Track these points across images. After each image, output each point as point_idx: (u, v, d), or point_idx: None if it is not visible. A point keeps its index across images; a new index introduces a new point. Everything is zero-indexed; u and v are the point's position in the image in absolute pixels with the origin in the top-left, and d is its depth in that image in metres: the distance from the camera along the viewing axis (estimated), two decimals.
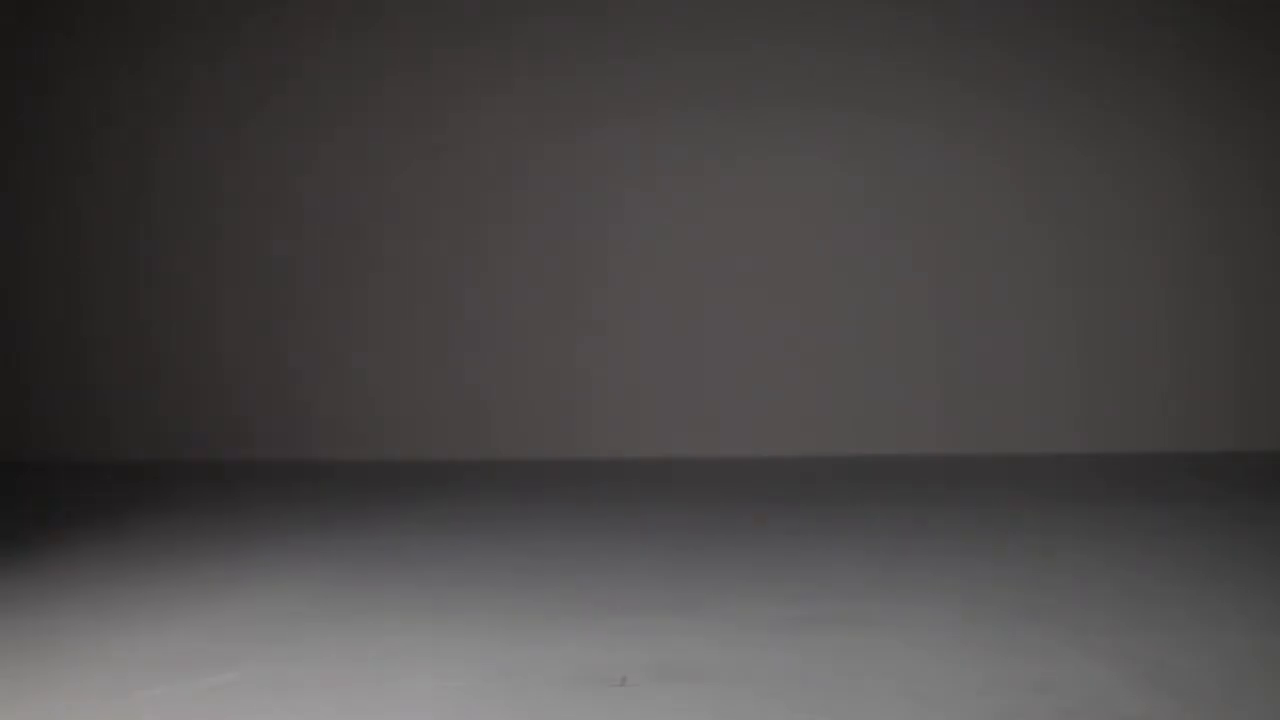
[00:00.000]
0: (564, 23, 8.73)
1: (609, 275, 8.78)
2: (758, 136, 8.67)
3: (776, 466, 8.25)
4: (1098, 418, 8.65)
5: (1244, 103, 8.61)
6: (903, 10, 8.61)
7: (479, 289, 8.82)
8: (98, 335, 8.91)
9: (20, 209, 8.95)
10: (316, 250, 8.82)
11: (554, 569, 5.67)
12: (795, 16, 8.65)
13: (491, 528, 6.64)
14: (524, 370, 8.80)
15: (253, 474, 8.18)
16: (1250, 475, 7.82)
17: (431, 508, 7.14)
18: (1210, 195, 8.63)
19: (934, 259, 8.69)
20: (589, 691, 4.14)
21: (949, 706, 3.96)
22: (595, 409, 8.77)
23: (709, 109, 8.67)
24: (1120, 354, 8.67)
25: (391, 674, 4.35)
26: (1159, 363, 8.65)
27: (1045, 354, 8.68)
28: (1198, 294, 8.65)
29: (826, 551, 5.92)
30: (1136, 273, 8.65)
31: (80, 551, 6.11)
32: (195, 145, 8.84)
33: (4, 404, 8.91)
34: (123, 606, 5.16)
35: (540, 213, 8.79)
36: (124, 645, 4.66)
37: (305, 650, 4.61)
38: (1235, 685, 4.12)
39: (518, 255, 8.80)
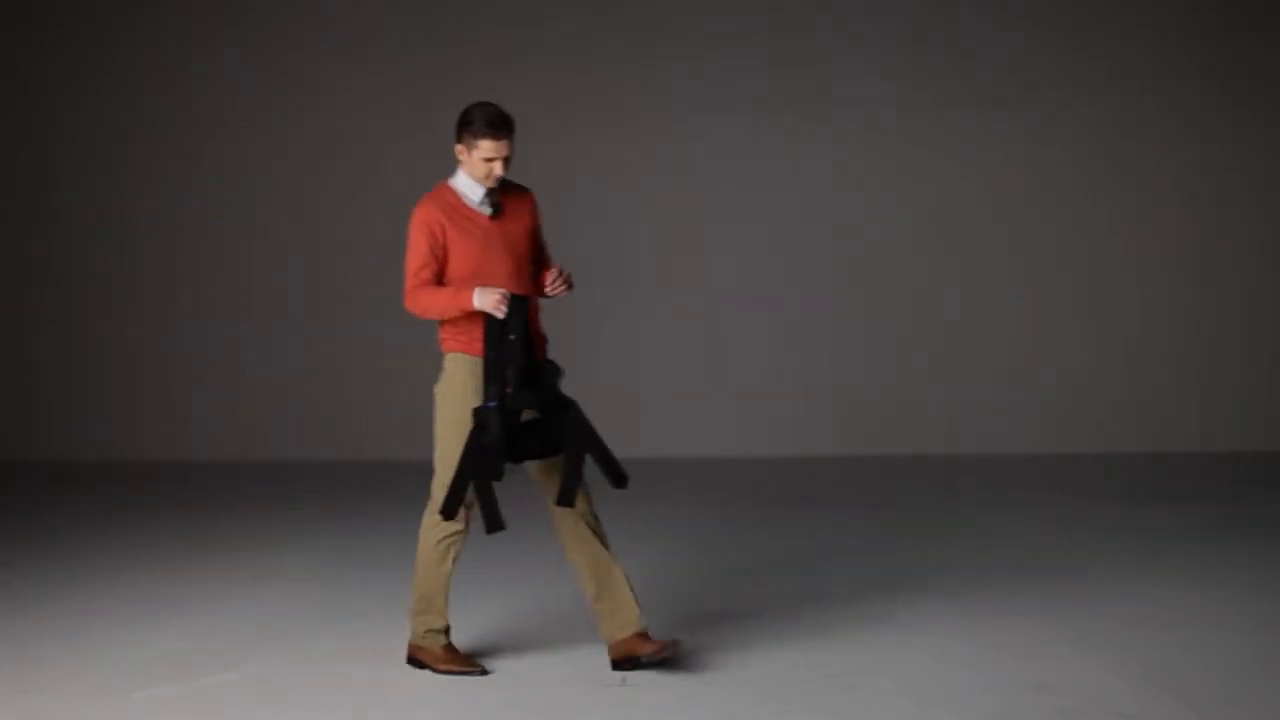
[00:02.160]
0: (572, 24, 8.71)
1: (608, 278, 8.76)
2: (759, 142, 8.66)
3: (777, 467, 8.24)
4: (1100, 418, 8.64)
5: (1248, 110, 8.62)
6: (907, 27, 8.60)
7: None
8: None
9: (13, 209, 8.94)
10: (318, 251, 8.80)
11: (553, 568, 5.67)
12: (802, 27, 8.64)
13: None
14: None
15: (251, 474, 8.17)
16: (1249, 476, 7.81)
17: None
18: (1227, 198, 8.65)
19: (936, 262, 8.67)
20: (589, 691, 4.14)
21: (949, 706, 3.96)
22: (595, 409, 8.74)
23: (712, 114, 8.65)
24: (1124, 355, 8.64)
25: (391, 674, 4.36)
26: (1166, 364, 8.63)
27: (1051, 355, 8.66)
28: (1200, 295, 8.65)
29: (827, 552, 5.92)
30: (1145, 275, 8.64)
31: (80, 551, 6.11)
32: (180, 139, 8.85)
33: (12, 405, 8.91)
34: (123, 606, 5.17)
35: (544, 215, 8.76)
36: (124, 645, 4.67)
37: (305, 650, 4.61)
38: (1235, 685, 4.12)
39: None
